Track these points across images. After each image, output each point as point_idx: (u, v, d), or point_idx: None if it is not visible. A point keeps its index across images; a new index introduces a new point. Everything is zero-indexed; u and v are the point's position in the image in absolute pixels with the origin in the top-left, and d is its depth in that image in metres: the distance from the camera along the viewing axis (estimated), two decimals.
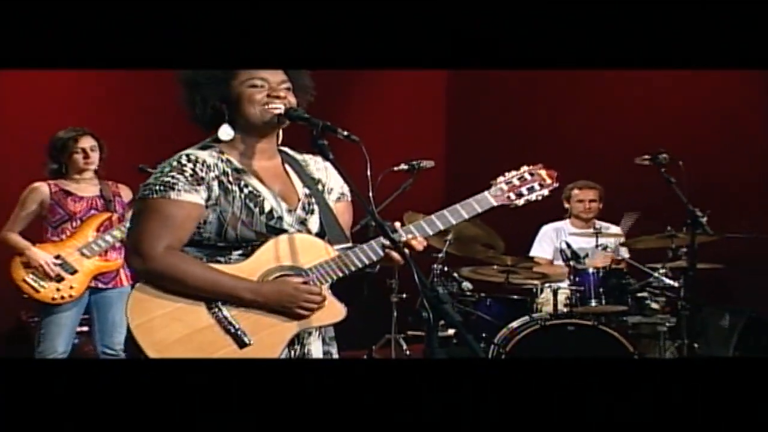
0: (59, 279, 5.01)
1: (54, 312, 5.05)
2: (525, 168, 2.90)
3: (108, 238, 5.09)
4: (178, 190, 2.63)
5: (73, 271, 5.06)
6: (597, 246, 6.27)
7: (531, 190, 2.88)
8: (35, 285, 5.01)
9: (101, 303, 5.18)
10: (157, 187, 2.65)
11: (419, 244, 2.74)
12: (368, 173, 2.68)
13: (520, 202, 2.87)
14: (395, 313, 6.99)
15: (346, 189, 2.91)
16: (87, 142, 5.18)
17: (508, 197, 2.86)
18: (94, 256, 5.09)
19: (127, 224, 4.92)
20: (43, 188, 5.16)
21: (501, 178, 2.87)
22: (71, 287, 5.04)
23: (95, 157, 5.21)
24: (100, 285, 5.16)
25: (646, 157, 5.63)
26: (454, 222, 2.79)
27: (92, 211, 5.19)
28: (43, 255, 5.02)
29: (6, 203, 5.49)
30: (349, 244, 2.78)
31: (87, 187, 5.24)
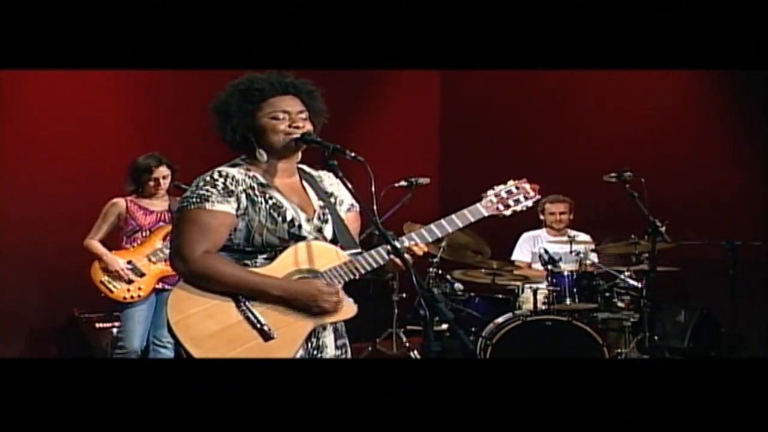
0: (129, 281, 5.13)
1: (128, 309, 5.16)
2: (512, 182, 2.89)
3: None
4: (212, 202, 2.65)
5: (142, 274, 5.16)
6: (570, 252, 6.25)
7: (517, 201, 2.88)
8: (110, 286, 5.14)
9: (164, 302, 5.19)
10: (194, 200, 2.66)
11: (420, 249, 2.76)
12: (372, 189, 2.69)
13: (508, 212, 2.87)
14: (396, 310, 6.98)
15: (354, 201, 2.90)
16: (161, 173, 5.24)
17: (498, 208, 2.85)
18: (159, 261, 5.17)
19: None
20: (120, 203, 5.26)
21: (491, 191, 2.87)
22: (139, 288, 5.15)
23: (166, 183, 5.27)
24: (167, 286, 5.18)
25: (613, 174, 5.61)
26: (450, 230, 2.79)
27: (160, 223, 5.25)
28: (118, 261, 5.14)
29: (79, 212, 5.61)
30: (358, 250, 2.78)
31: (158, 203, 5.30)
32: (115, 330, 5.77)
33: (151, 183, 5.21)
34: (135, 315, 5.14)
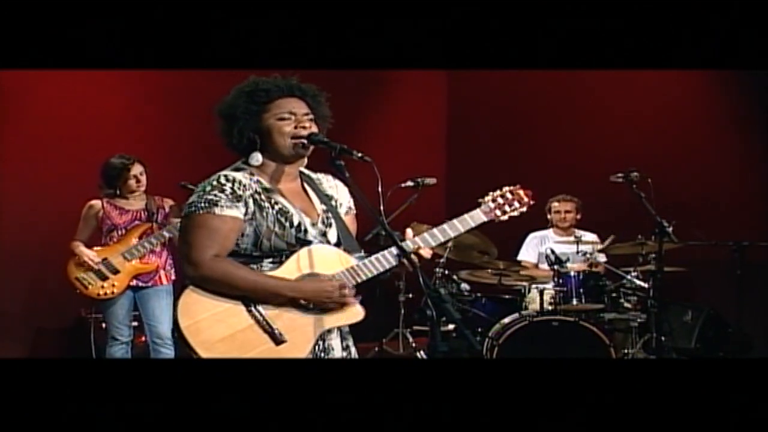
0: (104, 278, 5.20)
1: (110, 305, 5.25)
2: (506, 188, 2.96)
3: (146, 244, 5.23)
4: (221, 206, 2.64)
5: (116, 271, 5.21)
6: (577, 252, 6.25)
7: (512, 207, 2.94)
8: (84, 282, 5.21)
9: (142, 299, 5.32)
10: (202, 204, 2.66)
11: (427, 252, 2.79)
12: (379, 189, 2.69)
13: (504, 217, 2.93)
14: (402, 311, 6.99)
15: (351, 203, 2.94)
16: (137, 169, 5.29)
17: (495, 213, 2.91)
18: (134, 258, 5.23)
19: (165, 232, 5.18)
20: (96, 204, 5.33)
21: (488, 197, 2.93)
22: (114, 285, 5.21)
23: (144, 179, 5.32)
24: (140, 284, 5.28)
25: (620, 175, 5.62)
26: (452, 234, 2.83)
27: (135, 222, 5.30)
28: (88, 252, 5.21)
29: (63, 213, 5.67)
30: (362, 253, 2.78)
31: (134, 203, 5.35)
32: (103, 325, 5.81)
33: (131, 181, 5.26)
34: (117, 309, 5.25)
